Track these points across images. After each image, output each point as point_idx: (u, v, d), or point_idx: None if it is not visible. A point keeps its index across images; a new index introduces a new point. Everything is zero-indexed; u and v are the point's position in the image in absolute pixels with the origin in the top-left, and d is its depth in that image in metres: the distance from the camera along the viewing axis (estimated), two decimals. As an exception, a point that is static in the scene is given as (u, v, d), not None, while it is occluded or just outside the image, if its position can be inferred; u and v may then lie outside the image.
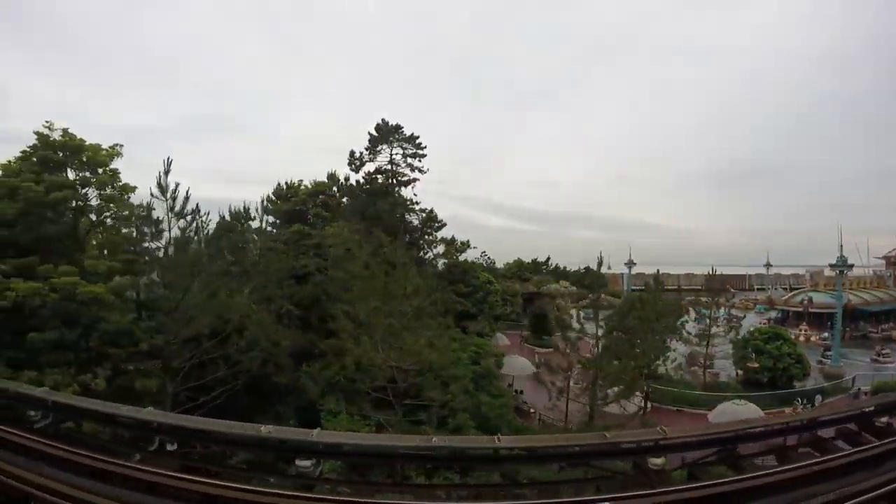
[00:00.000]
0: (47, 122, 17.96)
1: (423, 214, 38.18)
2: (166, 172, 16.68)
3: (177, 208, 16.33)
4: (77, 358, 16.40)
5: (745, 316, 34.79)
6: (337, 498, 5.33)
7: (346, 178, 34.81)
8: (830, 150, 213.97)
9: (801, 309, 48.73)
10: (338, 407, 16.78)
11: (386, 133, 39.34)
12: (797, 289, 61.34)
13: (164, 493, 5.19)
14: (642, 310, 17.29)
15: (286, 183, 34.34)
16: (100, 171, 18.56)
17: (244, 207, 28.71)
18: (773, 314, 51.31)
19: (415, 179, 39.53)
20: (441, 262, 29.78)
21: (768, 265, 58.58)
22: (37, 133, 17.91)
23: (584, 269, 76.31)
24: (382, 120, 39.69)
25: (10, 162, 18.15)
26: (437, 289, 17.97)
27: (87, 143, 18.42)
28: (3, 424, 5.96)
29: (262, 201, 34.33)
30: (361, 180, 38.78)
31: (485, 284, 32.13)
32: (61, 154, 18.09)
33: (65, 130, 18.06)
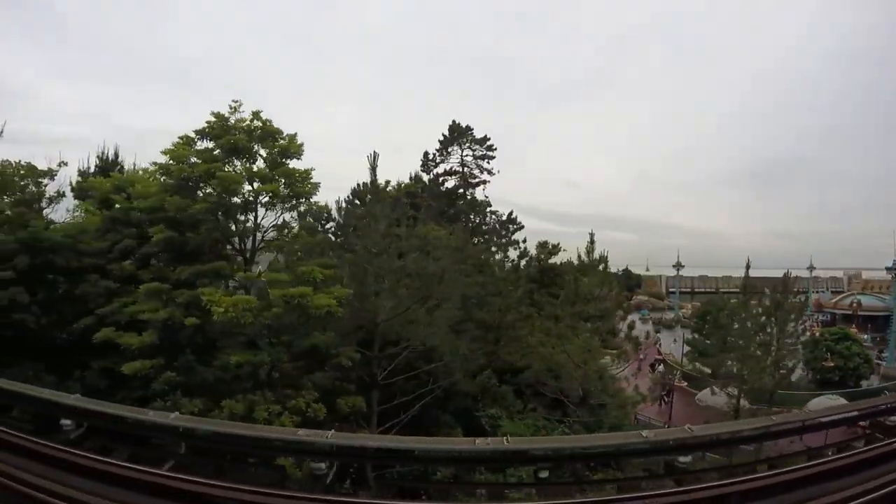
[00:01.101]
0: (235, 101, 16.00)
1: (495, 216, 39.91)
2: (373, 168, 16.20)
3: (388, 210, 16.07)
4: (254, 379, 14.38)
5: (817, 317, 36.90)
6: (337, 498, 5.68)
7: (430, 180, 36.42)
8: (865, 149, 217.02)
9: (850, 311, 51.30)
10: (499, 412, 17.97)
11: (456, 134, 41.04)
12: (836, 291, 64.10)
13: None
14: (779, 313, 19.20)
15: (365, 184, 35.82)
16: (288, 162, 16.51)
17: (325, 207, 30.01)
18: (819, 317, 53.79)
19: (485, 181, 41.34)
20: (531, 264, 31.43)
21: (811, 268, 61.08)
22: (215, 115, 15.90)
23: (623, 270, 78.24)
24: (453, 121, 41.40)
25: (176, 147, 15.93)
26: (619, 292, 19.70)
27: (281, 131, 16.36)
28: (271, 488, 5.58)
29: (342, 202, 35.93)
30: (430, 181, 40.50)
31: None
32: (247, 140, 15.84)
33: (255, 113, 16.07)
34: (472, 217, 37.75)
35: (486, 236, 36.83)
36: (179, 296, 13.76)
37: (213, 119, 15.93)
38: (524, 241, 39.13)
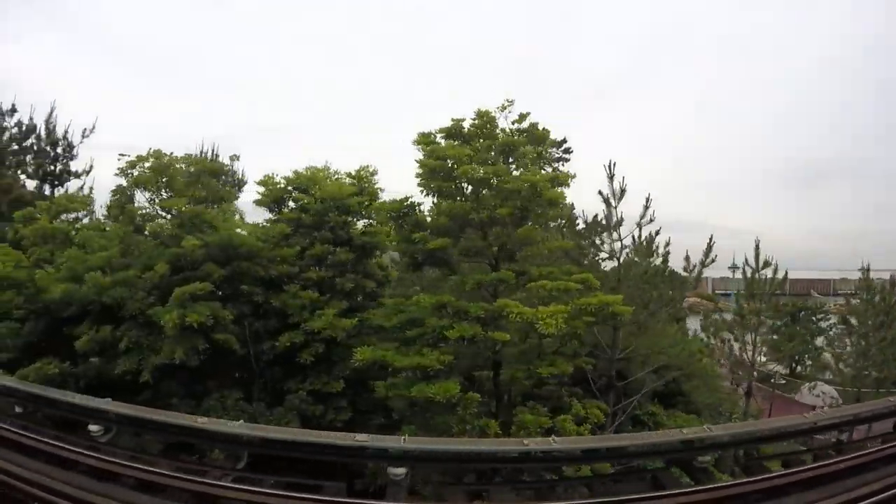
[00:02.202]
0: (508, 100, 14.48)
1: (575, 217, 42.47)
2: (611, 176, 15.94)
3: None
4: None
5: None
6: (334, 499, 5.98)
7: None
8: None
9: (906, 312, 53.75)
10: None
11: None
12: (886, 292, 66.07)
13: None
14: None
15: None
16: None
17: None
18: (873, 317, 55.77)
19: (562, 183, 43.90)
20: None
21: (866, 269, 62.52)
22: (479, 113, 14.36)
23: (668, 272, 79.95)
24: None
25: (433, 145, 13.95)
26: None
27: (549, 132, 15.31)
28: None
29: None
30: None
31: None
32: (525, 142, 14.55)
33: (523, 115, 14.69)
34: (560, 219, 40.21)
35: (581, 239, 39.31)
36: (473, 308, 12.35)
37: (472, 117, 14.39)
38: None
